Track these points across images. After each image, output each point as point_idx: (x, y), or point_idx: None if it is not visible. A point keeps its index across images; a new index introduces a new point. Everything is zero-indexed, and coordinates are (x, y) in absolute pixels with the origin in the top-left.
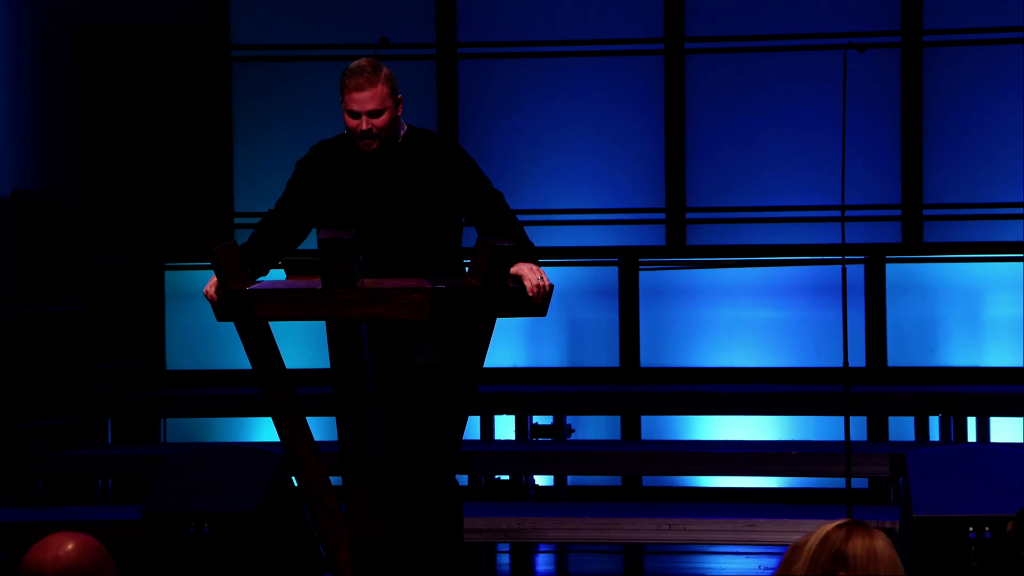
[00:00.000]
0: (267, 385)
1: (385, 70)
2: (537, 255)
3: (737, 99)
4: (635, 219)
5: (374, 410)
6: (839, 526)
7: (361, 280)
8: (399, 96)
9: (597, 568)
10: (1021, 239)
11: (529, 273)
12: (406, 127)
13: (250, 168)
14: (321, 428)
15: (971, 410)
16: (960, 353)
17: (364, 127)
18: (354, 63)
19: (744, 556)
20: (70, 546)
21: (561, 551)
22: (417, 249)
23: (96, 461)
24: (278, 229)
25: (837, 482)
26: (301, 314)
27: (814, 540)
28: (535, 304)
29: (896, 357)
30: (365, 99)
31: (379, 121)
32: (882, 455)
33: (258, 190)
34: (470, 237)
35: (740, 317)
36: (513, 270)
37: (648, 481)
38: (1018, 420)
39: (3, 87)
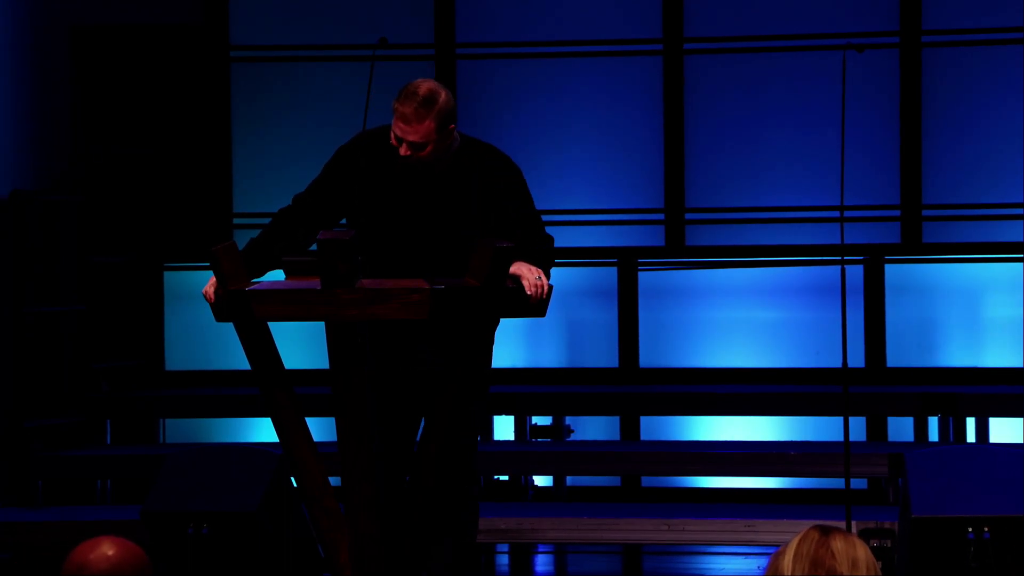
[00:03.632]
0: (266, 385)
1: (439, 104)
2: (549, 262)
3: (736, 99)
4: (634, 219)
5: (374, 410)
6: (814, 527)
7: (360, 280)
8: (451, 127)
9: (596, 568)
10: (1020, 239)
11: (528, 273)
12: (459, 139)
13: (249, 168)
14: (321, 428)
15: (970, 410)
16: (959, 354)
17: (404, 152)
18: (412, 85)
19: (743, 556)
20: (112, 551)
21: (560, 551)
22: (448, 253)
23: (95, 461)
24: (308, 211)
25: (836, 482)
26: (301, 314)
27: (794, 540)
28: (534, 305)
29: (895, 357)
30: (408, 132)
31: (421, 153)
32: (881, 455)
33: (257, 190)
34: None
35: (739, 317)
36: (512, 270)
37: (647, 481)
38: (1017, 420)
39: (2, 87)
